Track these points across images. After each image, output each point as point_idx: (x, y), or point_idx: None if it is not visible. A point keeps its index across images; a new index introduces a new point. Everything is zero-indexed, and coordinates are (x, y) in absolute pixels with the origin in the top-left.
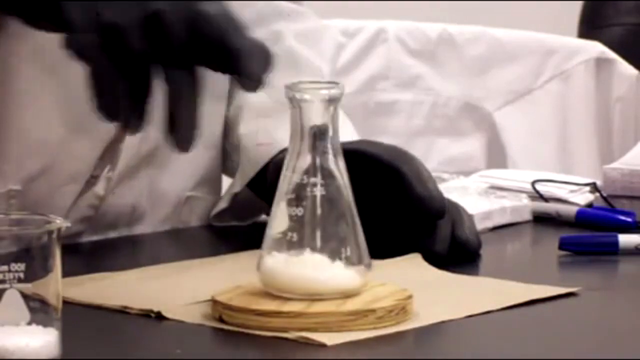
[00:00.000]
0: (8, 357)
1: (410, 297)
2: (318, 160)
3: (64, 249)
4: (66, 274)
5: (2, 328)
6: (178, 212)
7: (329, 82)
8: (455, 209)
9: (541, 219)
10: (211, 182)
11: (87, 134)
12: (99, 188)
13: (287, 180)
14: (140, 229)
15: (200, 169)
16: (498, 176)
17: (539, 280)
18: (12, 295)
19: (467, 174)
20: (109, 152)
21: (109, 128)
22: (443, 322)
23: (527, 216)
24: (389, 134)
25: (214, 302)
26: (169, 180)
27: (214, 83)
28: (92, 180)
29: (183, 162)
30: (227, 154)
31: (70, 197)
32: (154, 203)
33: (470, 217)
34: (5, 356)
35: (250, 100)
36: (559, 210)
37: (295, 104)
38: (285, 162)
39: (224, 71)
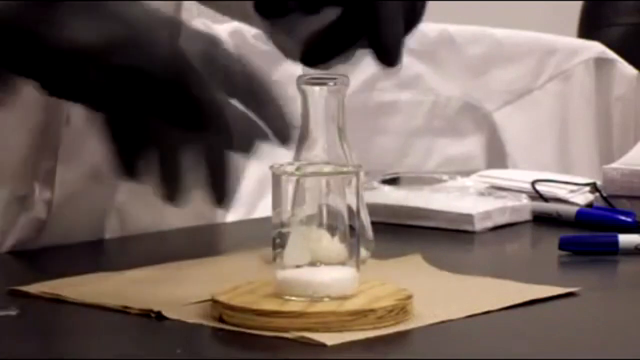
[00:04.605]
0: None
1: (410, 297)
2: (325, 154)
3: (64, 249)
4: (66, 274)
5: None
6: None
7: (335, 74)
8: None
9: (541, 219)
10: None
11: None
12: (39, 211)
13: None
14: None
15: None
16: (498, 176)
17: (539, 280)
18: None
19: (467, 174)
20: (39, 172)
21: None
22: (443, 322)
23: (527, 216)
24: (389, 134)
25: (214, 302)
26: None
27: None
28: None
29: None
30: None
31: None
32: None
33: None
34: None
35: None
36: (559, 210)
37: (303, 95)
38: (293, 155)
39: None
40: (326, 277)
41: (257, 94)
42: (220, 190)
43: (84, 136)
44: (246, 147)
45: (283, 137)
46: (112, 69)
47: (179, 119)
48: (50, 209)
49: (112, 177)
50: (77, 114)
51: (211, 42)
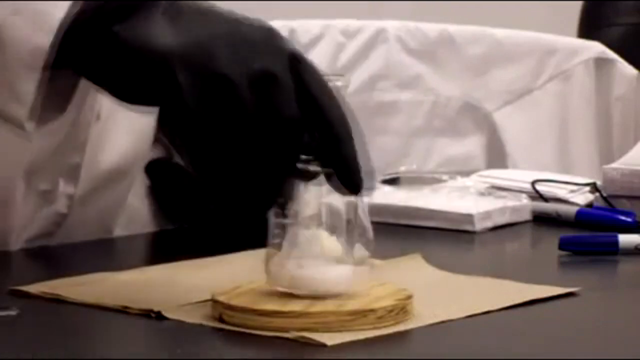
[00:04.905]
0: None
1: (410, 297)
2: None
3: (63, 249)
4: (66, 274)
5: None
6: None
7: (334, 75)
8: None
9: (541, 219)
10: None
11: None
12: (60, 205)
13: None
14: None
15: None
16: (498, 176)
17: (539, 280)
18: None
19: (467, 174)
20: (64, 168)
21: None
22: (443, 322)
23: (527, 216)
24: (389, 134)
25: (214, 302)
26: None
27: None
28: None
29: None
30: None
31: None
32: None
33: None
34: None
35: None
36: (559, 210)
37: None
38: None
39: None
40: (340, 274)
41: (331, 127)
42: (262, 204)
43: (110, 132)
44: (307, 176)
45: (352, 185)
46: (196, 74)
47: (256, 131)
48: (71, 204)
49: (131, 173)
50: (106, 109)
51: (295, 56)
